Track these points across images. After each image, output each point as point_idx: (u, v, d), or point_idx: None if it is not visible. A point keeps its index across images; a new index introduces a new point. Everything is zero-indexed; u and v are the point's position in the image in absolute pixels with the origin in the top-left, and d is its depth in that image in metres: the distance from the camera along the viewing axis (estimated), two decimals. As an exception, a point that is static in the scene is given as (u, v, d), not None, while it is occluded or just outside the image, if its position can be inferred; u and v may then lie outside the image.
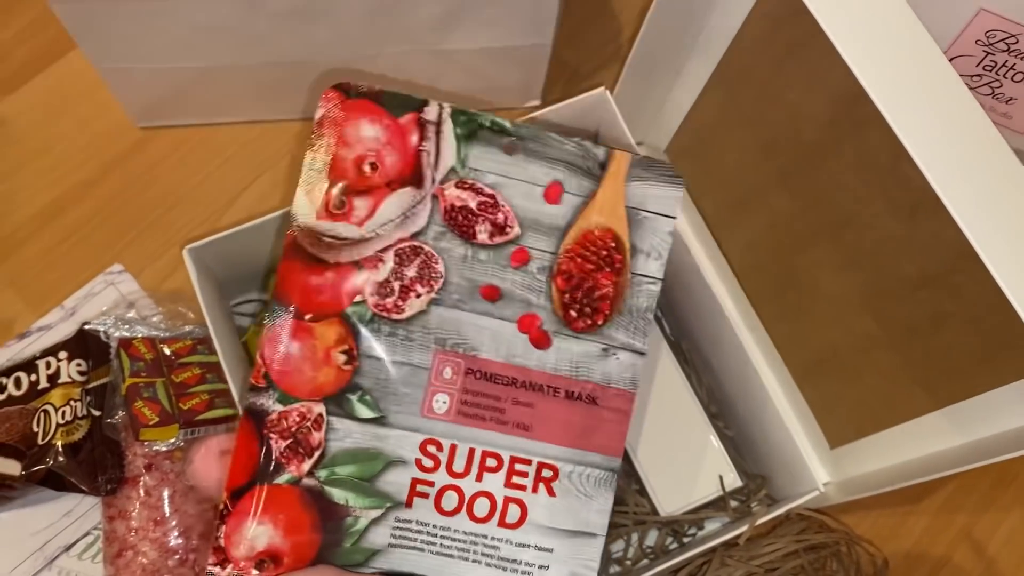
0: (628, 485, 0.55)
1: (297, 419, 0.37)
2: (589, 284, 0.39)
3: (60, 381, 0.52)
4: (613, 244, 0.40)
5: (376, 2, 0.52)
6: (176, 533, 0.52)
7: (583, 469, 0.39)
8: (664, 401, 0.55)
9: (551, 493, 0.39)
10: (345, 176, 0.38)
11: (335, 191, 0.37)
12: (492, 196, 0.39)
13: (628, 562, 0.54)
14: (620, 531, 0.54)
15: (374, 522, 0.37)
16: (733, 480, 0.53)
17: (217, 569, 0.36)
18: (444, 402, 0.38)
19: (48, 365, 0.53)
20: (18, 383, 0.53)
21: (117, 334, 0.55)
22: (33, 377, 0.53)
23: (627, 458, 0.54)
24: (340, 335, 0.37)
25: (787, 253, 0.54)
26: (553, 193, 0.40)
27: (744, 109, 0.53)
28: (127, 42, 0.54)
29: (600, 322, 0.40)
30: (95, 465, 0.51)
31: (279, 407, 0.37)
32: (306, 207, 0.37)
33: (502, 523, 0.38)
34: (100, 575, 0.54)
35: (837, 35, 0.40)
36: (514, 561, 0.38)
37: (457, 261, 0.38)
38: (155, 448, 0.51)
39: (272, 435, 0.37)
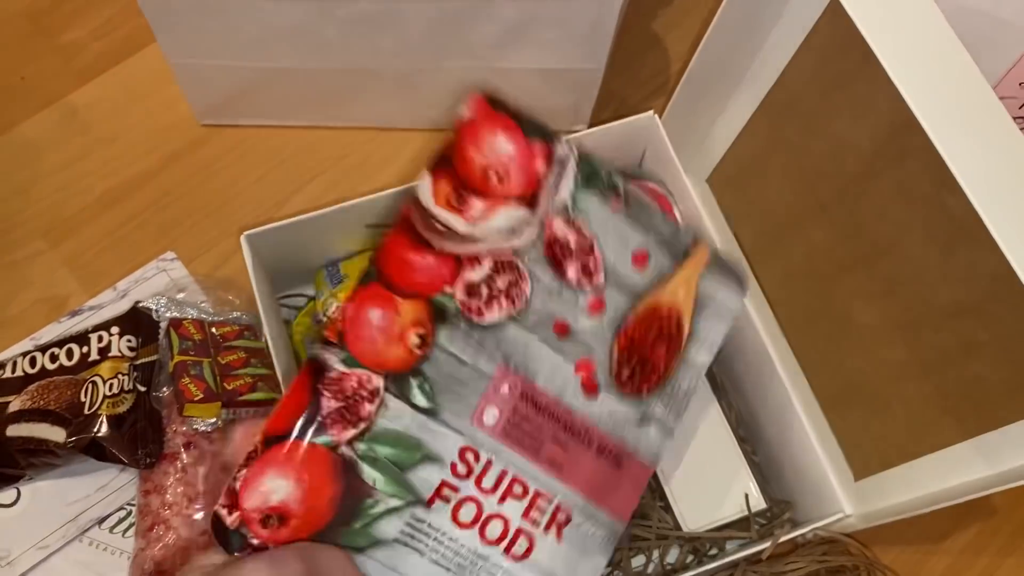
0: (653, 500, 0.55)
1: (355, 384, 0.37)
2: (646, 351, 0.41)
3: (110, 354, 0.54)
4: (676, 324, 0.42)
5: (441, 14, 0.55)
6: (208, 512, 0.53)
7: (591, 525, 0.40)
8: (694, 421, 0.56)
9: (559, 537, 0.39)
10: (471, 177, 0.39)
11: (457, 186, 0.39)
12: (590, 241, 0.41)
13: (647, 577, 0.55)
14: (642, 545, 0.55)
15: (392, 511, 0.37)
16: (757, 502, 0.54)
17: (224, 512, 0.35)
18: (494, 416, 0.39)
19: (100, 339, 0.55)
20: (70, 354, 0.55)
21: (168, 314, 0.56)
22: (85, 349, 0.55)
23: (654, 475, 0.55)
24: (421, 317, 0.38)
25: (822, 282, 0.55)
26: (640, 259, 0.41)
27: (788, 140, 0.55)
28: (202, 37, 0.56)
29: (645, 391, 0.41)
30: (136, 438, 0.52)
31: (342, 367, 0.37)
32: (428, 190, 0.38)
33: (508, 552, 0.38)
34: (130, 549, 0.55)
35: (892, 66, 0.41)
36: None
37: (543, 289, 0.40)
38: (195, 427, 0.53)
39: (326, 392, 0.36)
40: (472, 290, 0.39)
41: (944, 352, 0.47)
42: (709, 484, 0.54)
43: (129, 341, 0.55)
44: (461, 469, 0.38)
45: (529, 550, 0.39)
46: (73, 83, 0.68)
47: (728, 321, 0.43)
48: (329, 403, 0.36)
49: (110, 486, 0.57)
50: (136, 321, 0.56)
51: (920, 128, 0.40)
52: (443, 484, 0.37)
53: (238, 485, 0.35)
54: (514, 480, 0.39)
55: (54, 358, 0.55)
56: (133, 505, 0.56)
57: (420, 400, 0.38)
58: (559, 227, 0.40)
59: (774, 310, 0.61)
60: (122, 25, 0.69)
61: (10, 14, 0.69)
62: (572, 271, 0.40)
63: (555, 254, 0.40)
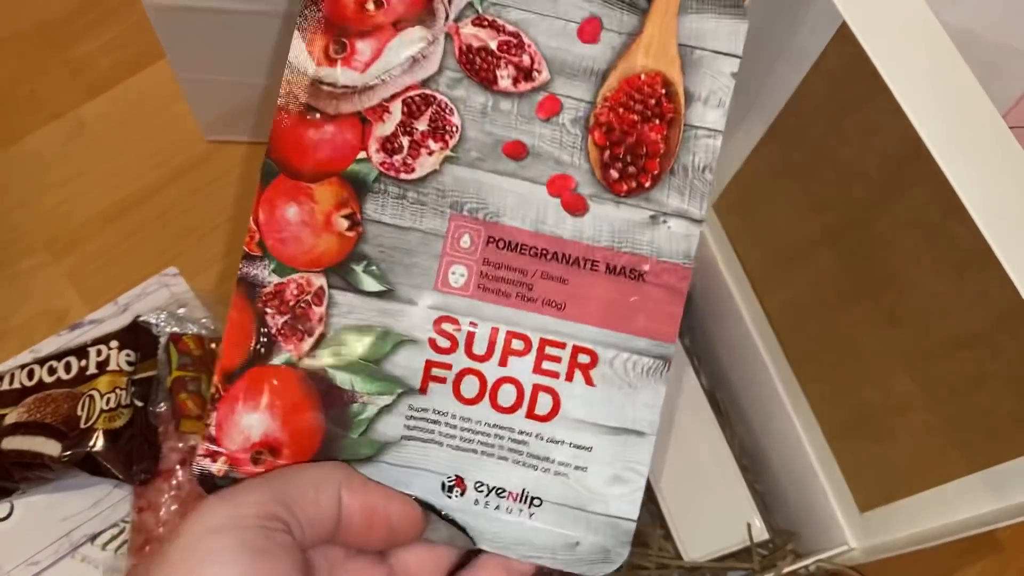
0: (653, 528, 0.54)
1: (295, 292, 0.32)
2: (633, 138, 0.34)
3: (109, 368, 0.54)
4: (663, 90, 0.34)
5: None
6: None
7: (627, 356, 0.34)
8: (696, 449, 0.55)
9: (589, 382, 0.33)
10: (345, 17, 0.33)
11: (334, 33, 0.33)
12: (516, 35, 0.33)
13: (647, 607, 0.54)
14: (641, 574, 0.54)
15: (385, 410, 0.33)
16: (760, 532, 0.53)
17: (207, 462, 0.32)
18: (462, 275, 0.33)
19: (99, 352, 0.55)
20: (68, 367, 0.55)
21: (168, 329, 0.56)
22: (83, 362, 0.55)
23: (654, 500, 0.54)
24: (342, 197, 0.33)
25: (829, 310, 0.55)
26: (589, 31, 0.34)
27: (796, 166, 0.54)
28: (212, 53, 0.56)
29: (647, 184, 0.34)
30: (132, 454, 0.52)
31: (275, 278, 0.32)
32: (303, 53, 0.33)
33: (531, 414, 0.33)
34: (122, 567, 0.54)
35: (901, 92, 0.41)
36: (545, 459, 0.33)
37: (475, 112, 0.33)
38: (192, 443, 0.52)
39: (268, 309, 0.32)
40: (389, 145, 0.33)
41: (952, 383, 0.46)
42: (711, 513, 0.54)
43: (128, 355, 0.55)
44: (443, 343, 0.33)
45: (555, 406, 0.34)
46: (81, 97, 0.68)
47: (733, 58, 0.35)
48: (274, 320, 0.32)
49: (104, 502, 0.56)
50: (136, 335, 0.56)
51: (929, 155, 0.40)
52: (429, 364, 0.33)
53: (213, 431, 0.32)
54: (510, 336, 0.33)
55: (52, 371, 0.55)
56: (127, 522, 0.55)
57: (371, 285, 0.33)
58: (469, 32, 0.33)
59: (779, 338, 0.61)
60: (131, 41, 0.69)
61: (21, 28, 0.69)
62: (503, 77, 0.33)
63: (475, 65, 0.33)
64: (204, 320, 0.58)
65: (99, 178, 0.66)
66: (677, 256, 0.34)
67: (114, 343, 0.55)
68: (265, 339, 0.32)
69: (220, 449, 0.32)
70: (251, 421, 0.32)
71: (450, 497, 0.33)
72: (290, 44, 0.33)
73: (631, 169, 0.34)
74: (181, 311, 0.58)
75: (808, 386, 0.59)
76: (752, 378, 0.54)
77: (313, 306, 0.33)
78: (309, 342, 0.33)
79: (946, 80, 0.42)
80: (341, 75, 0.33)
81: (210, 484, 0.32)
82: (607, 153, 0.34)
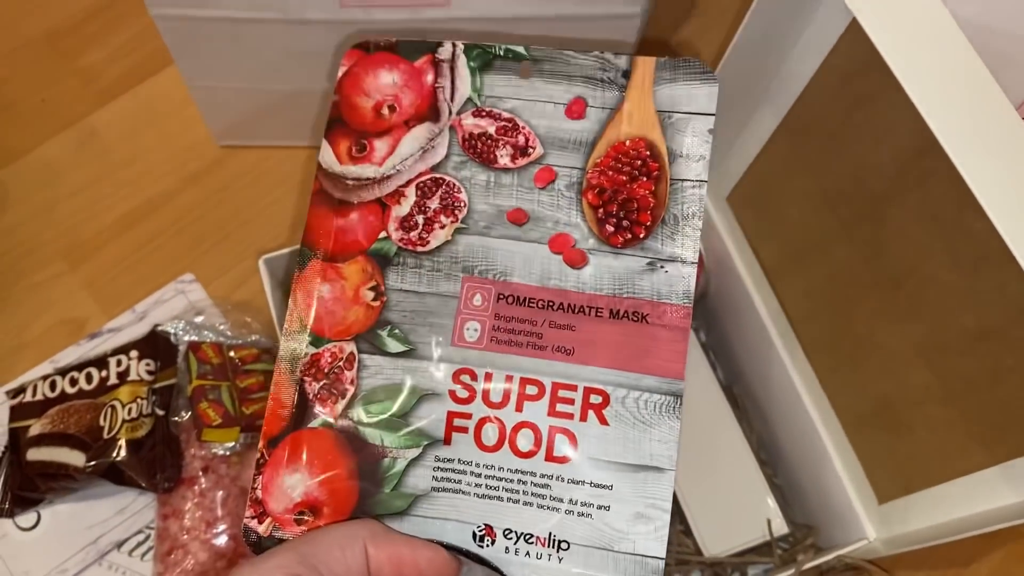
0: (673, 524, 0.55)
1: (329, 359, 0.36)
2: (624, 195, 0.37)
3: (129, 379, 0.54)
4: (647, 152, 0.37)
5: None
6: (227, 536, 0.53)
7: (638, 394, 0.35)
8: (714, 444, 0.55)
9: (603, 421, 0.35)
10: (365, 122, 0.38)
11: (355, 137, 0.38)
12: (511, 120, 0.38)
13: (668, 602, 0.54)
14: (662, 570, 0.54)
15: (413, 463, 0.35)
16: (780, 526, 0.53)
17: (255, 523, 0.34)
18: (476, 329, 0.36)
19: (119, 363, 0.55)
20: (89, 378, 0.55)
21: (187, 338, 0.57)
22: (103, 373, 0.55)
23: (673, 497, 0.54)
24: (367, 272, 0.37)
25: (845, 303, 0.54)
26: (576, 109, 0.38)
27: (809, 159, 0.54)
28: (220, 61, 0.57)
29: (641, 235, 0.37)
30: (155, 463, 0.52)
31: (312, 349, 0.36)
32: (330, 155, 0.38)
33: (550, 457, 0.35)
34: (148, 573, 0.55)
35: (912, 87, 0.41)
36: (568, 500, 0.34)
37: (480, 188, 0.38)
38: (213, 451, 0.53)
39: (306, 378, 0.36)
40: (406, 224, 0.37)
41: (969, 377, 0.46)
42: (730, 508, 0.54)
43: (148, 365, 0.55)
44: (462, 394, 0.36)
45: (573, 446, 0.35)
46: (92, 105, 0.68)
47: (708, 116, 0.38)
48: (311, 386, 0.36)
49: (129, 509, 0.57)
50: (155, 345, 0.56)
51: (942, 150, 0.40)
52: (451, 415, 0.35)
53: (260, 494, 0.34)
54: (524, 382, 0.36)
55: (74, 382, 0.55)
56: (152, 529, 0.56)
57: (395, 346, 0.36)
58: (470, 123, 0.38)
59: (796, 331, 0.60)
60: (140, 48, 0.69)
61: (30, 38, 0.70)
62: (503, 156, 0.38)
63: (477, 149, 0.38)
64: (221, 327, 0.58)
65: (112, 186, 0.66)
66: (677, 297, 0.37)
67: (134, 353, 0.55)
68: (303, 405, 0.36)
69: (265, 511, 0.34)
70: (293, 482, 0.35)
71: (481, 547, 0.34)
72: (320, 145, 0.38)
73: (625, 223, 0.37)
74: (198, 318, 0.59)
75: (825, 379, 0.59)
76: (768, 372, 0.54)
77: (345, 370, 0.36)
78: (342, 403, 0.36)
79: (958, 74, 0.42)
80: (362, 170, 0.38)
81: (256, 545, 0.34)
82: (601, 211, 0.37)
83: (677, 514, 0.55)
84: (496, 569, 0.34)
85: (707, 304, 0.59)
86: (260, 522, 0.34)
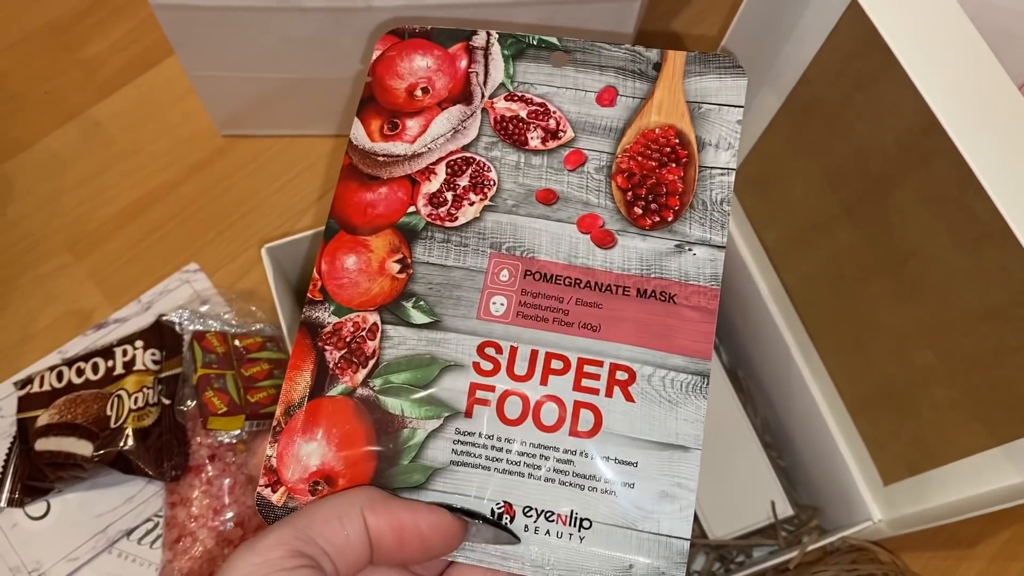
0: (678, 507, 0.55)
1: (352, 329, 0.36)
2: (653, 180, 0.38)
3: (135, 368, 0.55)
4: (676, 140, 0.38)
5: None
6: (234, 523, 0.53)
7: (664, 372, 0.35)
8: (718, 427, 0.55)
9: (628, 398, 0.34)
10: (398, 103, 0.39)
11: (387, 116, 0.38)
12: (543, 105, 0.39)
13: (674, 585, 0.55)
14: (667, 553, 0.54)
15: (433, 434, 0.34)
16: (784, 509, 0.53)
17: (268, 491, 0.33)
18: (502, 304, 0.36)
19: (124, 352, 0.56)
20: (95, 368, 0.56)
21: (191, 327, 0.57)
22: (110, 363, 0.55)
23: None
24: (394, 245, 0.37)
25: (848, 285, 0.54)
26: (607, 97, 0.39)
27: (811, 141, 0.54)
28: (220, 50, 0.57)
29: (669, 218, 0.37)
30: (162, 451, 0.53)
31: (334, 319, 0.36)
32: (361, 132, 0.38)
33: (574, 432, 0.34)
34: (157, 560, 0.56)
35: (913, 67, 0.40)
36: (592, 477, 0.34)
37: (510, 168, 0.38)
38: (219, 439, 0.53)
39: (327, 347, 0.35)
40: (436, 199, 0.37)
41: (973, 357, 0.46)
42: (735, 491, 0.54)
43: (153, 355, 0.55)
44: (486, 366, 0.35)
45: (598, 423, 0.34)
46: (95, 96, 0.68)
47: (737, 108, 0.39)
48: (332, 355, 0.35)
49: (137, 498, 0.57)
50: (160, 334, 0.56)
51: (943, 130, 0.40)
52: (473, 387, 0.35)
53: (274, 462, 0.34)
54: (549, 357, 0.35)
55: (80, 372, 0.56)
56: (160, 517, 0.57)
57: (419, 318, 0.36)
58: (502, 106, 0.39)
59: (799, 313, 0.60)
60: (142, 38, 0.69)
61: (32, 30, 0.70)
62: (533, 139, 0.38)
63: (508, 131, 0.38)
64: (226, 315, 0.59)
65: (116, 177, 0.66)
66: (704, 279, 0.37)
67: (139, 343, 0.56)
68: (324, 373, 0.35)
69: (280, 480, 0.33)
70: (309, 450, 0.34)
71: (503, 529, 0.33)
72: (351, 124, 0.38)
73: (653, 206, 0.37)
74: (203, 307, 0.59)
75: (829, 360, 0.59)
76: (772, 354, 0.54)
77: (367, 340, 0.36)
78: (363, 373, 0.35)
79: (959, 53, 0.41)
80: (393, 147, 0.38)
81: (270, 513, 0.33)
82: (630, 194, 0.37)
83: (682, 497, 0.55)
84: (505, 529, 0.33)
85: (710, 287, 0.59)
86: (274, 491, 0.33)
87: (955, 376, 0.48)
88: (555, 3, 0.53)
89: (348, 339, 0.35)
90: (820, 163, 0.54)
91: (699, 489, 0.53)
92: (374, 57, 0.39)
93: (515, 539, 0.33)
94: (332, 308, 0.36)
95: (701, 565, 0.55)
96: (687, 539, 0.33)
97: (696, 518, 0.53)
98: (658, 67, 0.39)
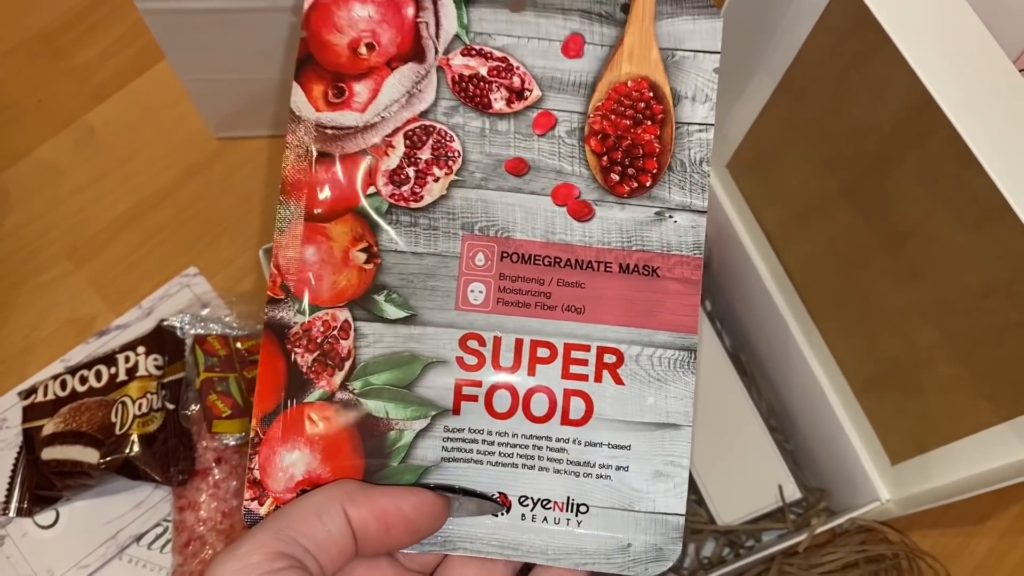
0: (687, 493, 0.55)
1: (322, 329, 0.33)
2: (628, 141, 0.35)
3: (138, 374, 0.55)
4: (650, 93, 0.35)
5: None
6: (243, 525, 0.53)
7: (652, 350, 0.34)
8: (723, 412, 0.55)
9: (618, 381, 0.34)
10: (340, 63, 0.34)
11: (331, 79, 0.34)
12: (504, 59, 0.35)
13: (685, 572, 0.55)
14: (676, 540, 0.54)
15: (421, 434, 0.33)
16: (792, 492, 0.53)
17: (255, 504, 0.32)
18: (480, 291, 0.34)
19: (127, 359, 0.56)
20: (99, 375, 0.56)
21: (192, 331, 0.57)
22: (113, 370, 0.55)
23: (685, 467, 0.54)
24: (357, 232, 0.34)
25: (848, 266, 0.54)
26: (573, 46, 0.35)
27: (807, 123, 0.54)
28: (212, 53, 0.56)
29: (648, 183, 0.35)
30: (168, 456, 0.53)
31: (301, 318, 0.33)
32: (303, 101, 0.34)
33: (565, 420, 0.33)
34: (168, 564, 0.56)
35: (906, 45, 0.40)
36: (586, 463, 0.33)
37: (475, 136, 0.35)
38: (225, 442, 0.53)
39: (297, 350, 0.33)
40: (396, 177, 0.34)
41: (976, 334, 0.46)
42: (742, 476, 0.54)
43: (156, 360, 0.55)
44: (470, 360, 0.34)
45: (589, 409, 0.34)
46: (89, 103, 0.68)
47: (713, 54, 0.36)
48: (304, 358, 0.33)
49: (145, 503, 0.57)
50: (161, 339, 0.56)
51: (939, 107, 0.39)
52: (459, 384, 0.34)
53: (257, 474, 0.32)
54: (535, 345, 0.34)
55: (84, 380, 0.56)
56: (169, 521, 0.57)
57: (394, 312, 0.34)
58: (459, 63, 0.35)
59: (801, 295, 0.60)
60: (133, 42, 0.69)
61: (24, 38, 0.69)
62: (497, 100, 0.35)
63: (469, 92, 0.35)
64: (227, 319, 0.59)
65: (113, 184, 0.66)
66: (687, 248, 0.35)
67: (141, 348, 0.56)
68: (297, 378, 0.33)
69: (265, 491, 0.32)
70: (292, 459, 0.33)
71: (496, 516, 0.33)
72: (291, 85, 0.34)
73: (630, 171, 0.35)
74: (204, 311, 0.59)
75: (832, 342, 0.59)
76: (775, 337, 0.54)
77: (340, 340, 0.34)
78: (340, 375, 0.33)
79: (952, 28, 0.41)
80: (342, 117, 0.34)
81: (255, 522, 0.32)
82: (605, 159, 0.35)
83: (690, 484, 0.55)
84: (486, 498, 0.33)
85: (711, 273, 0.58)
86: (261, 503, 0.32)
87: (959, 354, 0.48)
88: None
89: (319, 340, 0.34)
90: (817, 144, 0.53)
91: (706, 475, 0.53)
92: (306, 6, 0.34)
93: (499, 506, 0.33)
94: (297, 306, 0.33)
95: (711, 551, 0.55)
96: (682, 515, 0.33)
97: (704, 504, 0.53)
98: (627, 8, 0.35)
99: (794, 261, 0.60)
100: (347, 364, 0.34)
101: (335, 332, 0.34)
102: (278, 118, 0.65)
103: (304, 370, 0.33)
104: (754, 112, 0.59)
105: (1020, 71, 0.50)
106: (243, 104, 0.63)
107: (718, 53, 0.35)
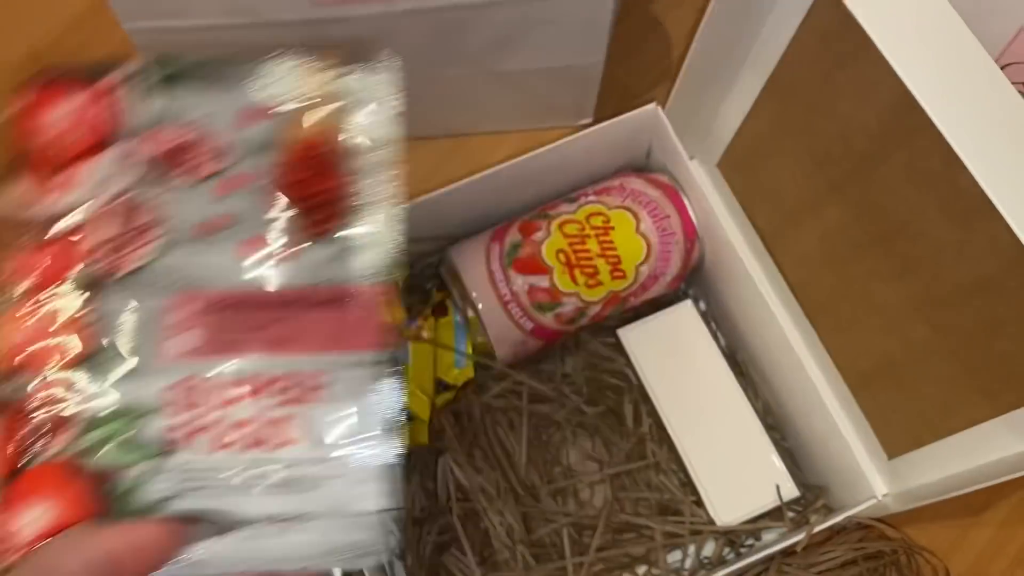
0: (684, 495, 0.55)
1: (42, 397, 0.37)
2: (310, 191, 0.39)
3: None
4: (330, 146, 0.39)
5: (434, 26, 0.54)
6: None
7: (350, 372, 0.38)
8: (720, 412, 0.55)
9: (322, 402, 0.38)
10: (48, 155, 0.38)
11: (38, 172, 0.38)
12: (194, 132, 0.39)
13: (685, 573, 0.55)
14: (676, 541, 0.54)
15: (142, 480, 0.36)
16: (790, 490, 0.53)
17: None
18: (183, 342, 0.38)
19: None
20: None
21: None
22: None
23: (683, 468, 0.55)
24: (73, 302, 0.38)
25: (840, 263, 0.54)
26: (256, 114, 0.39)
27: (795, 121, 0.54)
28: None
29: (332, 224, 0.39)
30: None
31: (25, 390, 0.37)
32: (21, 193, 0.38)
33: (279, 445, 0.37)
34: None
35: (887, 46, 0.40)
36: (303, 479, 0.37)
37: (173, 203, 0.38)
38: None
39: (22, 418, 0.36)
40: (106, 248, 0.38)
41: (968, 330, 0.46)
42: (740, 475, 0.54)
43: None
44: (181, 404, 0.37)
45: (301, 432, 0.37)
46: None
47: (389, 102, 0.40)
48: (26, 425, 0.36)
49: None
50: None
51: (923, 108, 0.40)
52: (170, 428, 0.37)
53: None
54: (236, 384, 0.37)
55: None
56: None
57: (112, 370, 0.37)
58: (156, 139, 0.38)
59: (794, 292, 0.60)
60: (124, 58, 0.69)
61: (12, 59, 0.69)
62: (191, 168, 0.38)
63: (165, 165, 0.38)
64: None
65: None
66: (363, 276, 0.39)
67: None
68: (27, 444, 0.36)
69: (7, 549, 0.35)
70: (29, 519, 0.35)
71: (229, 534, 0.36)
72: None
73: (316, 216, 0.39)
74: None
75: (827, 337, 0.59)
76: (769, 334, 0.54)
77: (60, 402, 0.36)
78: (66, 435, 0.36)
79: (934, 28, 0.41)
80: (59, 202, 0.38)
81: None
82: (292, 209, 0.39)
83: (688, 485, 0.55)
84: (220, 519, 0.36)
85: (703, 273, 0.59)
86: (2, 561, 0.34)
87: (952, 349, 0.48)
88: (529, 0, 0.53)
89: (39, 406, 0.36)
90: (805, 143, 0.53)
91: (704, 476, 0.54)
92: (16, 110, 0.38)
93: (237, 523, 0.36)
94: (22, 379, 0.36)
95: (711, 550, 0.55)
96: (397, 509, 0.37)
97: (702, 504, 0.54)
98: (298, 69, 0.40)
99: (787, 258, 0.61)
100: (72, 425, 0.36)
101: (59, 395, 0.37)
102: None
103: (32, 437, 0.36)
104: (743, 111, 0.59)
105: (1002, 68, 0.50)
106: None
107: (395, 100, 0.40)
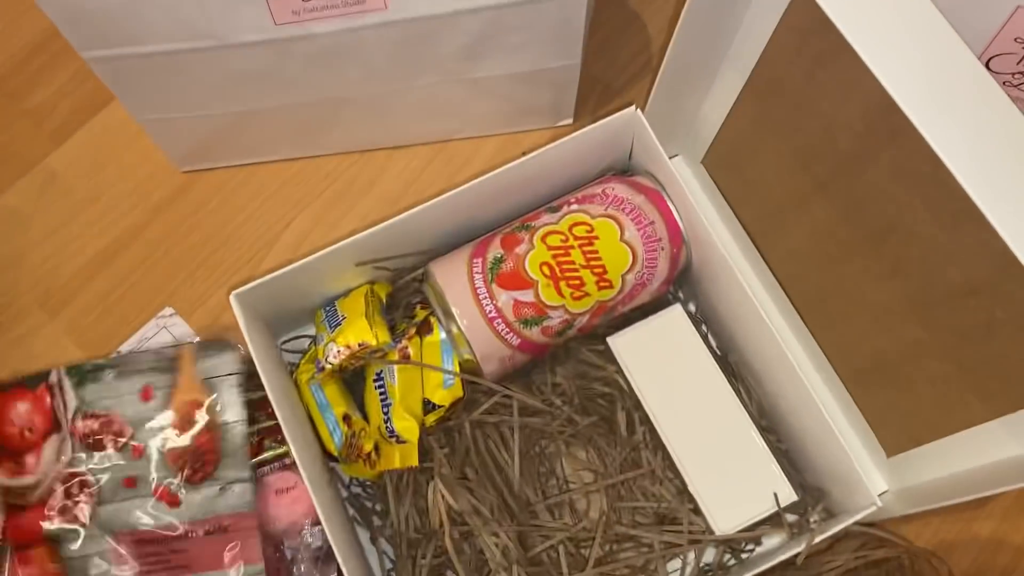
0: (681, 503, 0.54)
1: None
2: (192, 447, 0.53)
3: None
4: (199, 410, 0.53)
5: (402, 38, 0.53)
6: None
7: None
8: (714, 417, 0.54)
9: None
10: (14, 444, 0.53)
11: (11, 456, 0.53)
12: (107, 415, 0.53)
13: (686, 581, 0.54)
14: (675, 551, 0.54)
15: None
16: (789, 494, 0.52)
17: None
18: (129, 570, 0.52)
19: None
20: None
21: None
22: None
23: (680, 477, 0.54)
24: (45, 553, 0.52)
25: (830, 262, 0.53)
26: (147, 394, 0.53)
27: (777, 119, 0.52)
28: (164, 93, 0.55)
29: (210, 470, 0.53)
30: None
31: None
32: None
33: None
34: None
35: (864, 48, 0.39)
36: None
37: (101, 470, 0.52)
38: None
39: None
40: (63, 509, 0.52)
41: (961, 331, 0.45)
42: (737, 481, 0.53)
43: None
44: None
45: None
46: (48, 146, 0.67)
47: (235, 374, 0.54)
48: None
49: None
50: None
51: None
52: None
53: None
54: None
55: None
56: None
57: None
58: (82, 425, 0.53)
59: (785, 290, 0.59)
60: (87, 80, 0.67)
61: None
62: (109, 444, 0.53)
63: (91, 442, 0.53)
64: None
65: (80, 228, 0.65)
66: (244, 506, 0.53)
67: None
68: None
69: None
70: None
71: None
72: None
73: (197, 465, 0.53)
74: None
75: (821, 336, 0.58)
76: (760, 334, 0.53)
77: None
78: None
79: (913, 25, 0.40)
80: (22, 481, 0.53)
81: None
82: (180, 462, 0.53)
83: (685, 493, 0.54)
84: None
85: (691, 275, 0.57)
86: None
87: (945, 350, 0.47)
88: (499, 8, 0.51)
89: None
90: (789, 141, 0.52)
91: (700, 483, 0.53)
92: None
93: None
94: None
95: (712, 558, 0.55)
96: None
97: (700, 512, 0.53)
98: (175, 360, 0.54)
99: (776, 257, 0.59)
100: None
101: None
102: (243, 147, 0.64)
103: None
104: (725, 108, 0.57)
105: (989, 60, 0.49)
106: (203, 139, 0.61)
107: (238, 374, 0.54)
